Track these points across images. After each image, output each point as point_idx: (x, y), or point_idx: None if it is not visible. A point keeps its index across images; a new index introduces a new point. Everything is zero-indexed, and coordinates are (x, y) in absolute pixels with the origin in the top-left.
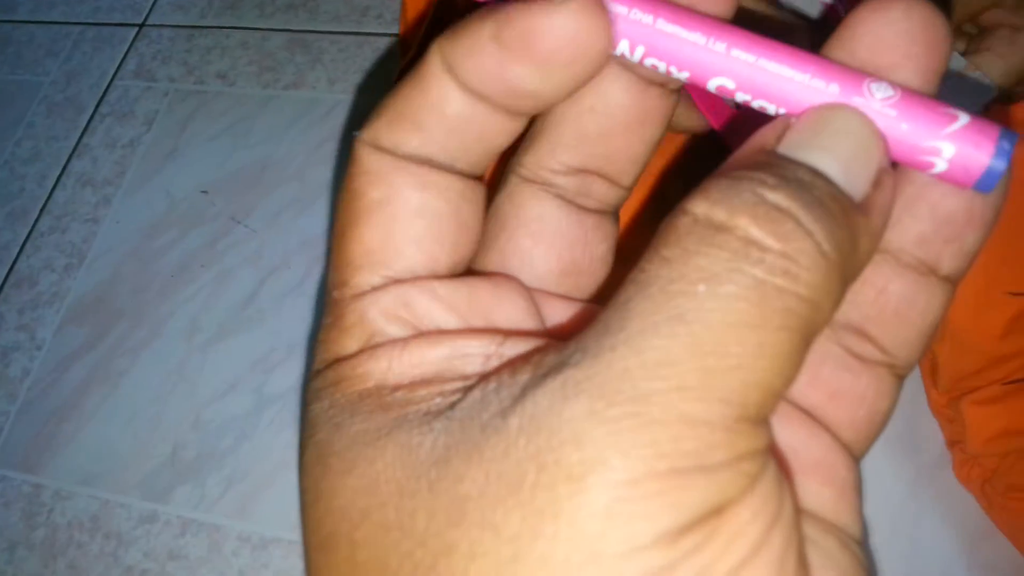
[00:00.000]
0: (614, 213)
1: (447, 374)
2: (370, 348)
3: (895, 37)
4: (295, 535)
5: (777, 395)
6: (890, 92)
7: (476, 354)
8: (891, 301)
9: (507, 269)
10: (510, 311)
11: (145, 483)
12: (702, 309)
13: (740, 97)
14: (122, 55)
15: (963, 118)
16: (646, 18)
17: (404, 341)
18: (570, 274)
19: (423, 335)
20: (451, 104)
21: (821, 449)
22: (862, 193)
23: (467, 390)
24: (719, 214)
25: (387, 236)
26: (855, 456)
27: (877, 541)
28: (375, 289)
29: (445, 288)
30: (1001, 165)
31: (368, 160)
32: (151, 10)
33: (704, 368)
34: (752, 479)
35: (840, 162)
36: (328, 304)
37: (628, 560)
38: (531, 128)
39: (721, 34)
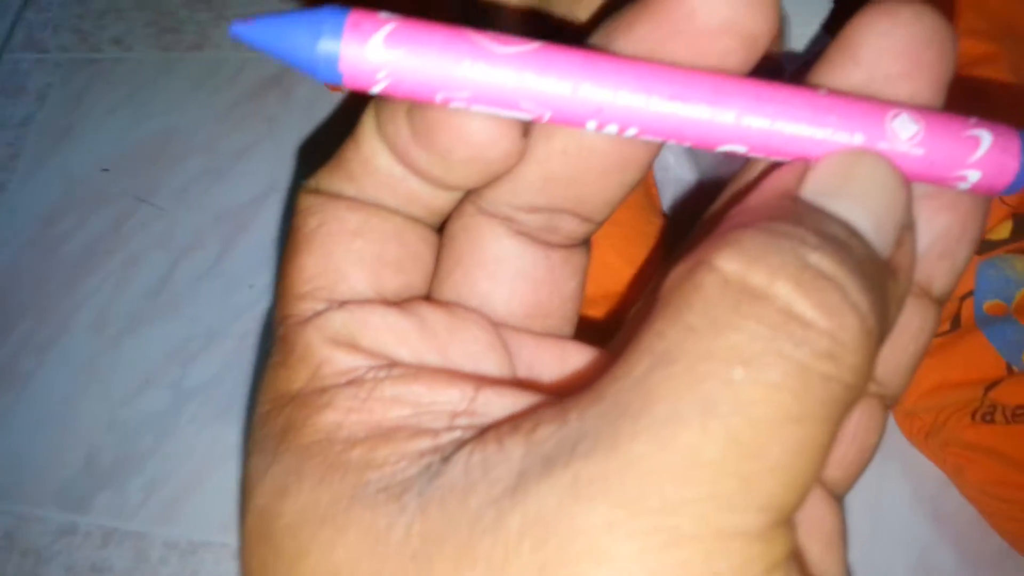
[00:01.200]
0: (584, 243)
1: (410, 429)
2: (319, 389)
3: (904, 44)
4: (226, 538)
5: (810, 489)
6: (914, 128)
7: (443, 408)
8: None
9: (464, 300)
10: (470, 345)
11: (61, 493)
12: (739, 400)
13: (752, 154)
14: (9, 26)
15: (986, 138)
16: (637, 99)
17: (359, 388)
18: (536, 316)
19: (380, 380)
20: (380, 160)
21: (808, 502)
22: (889, 251)
23: (444, 459)
24: (757, 277)
25: (327, 259)
26: (839, 496)
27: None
28: (318, 314)
29: (395, 315)
30: None
31: (307, 200)
32: None
33: (741, 473)
34: None
35: (872, 217)
36: (275, 343)
37: None
38: None
39: (728, 99)
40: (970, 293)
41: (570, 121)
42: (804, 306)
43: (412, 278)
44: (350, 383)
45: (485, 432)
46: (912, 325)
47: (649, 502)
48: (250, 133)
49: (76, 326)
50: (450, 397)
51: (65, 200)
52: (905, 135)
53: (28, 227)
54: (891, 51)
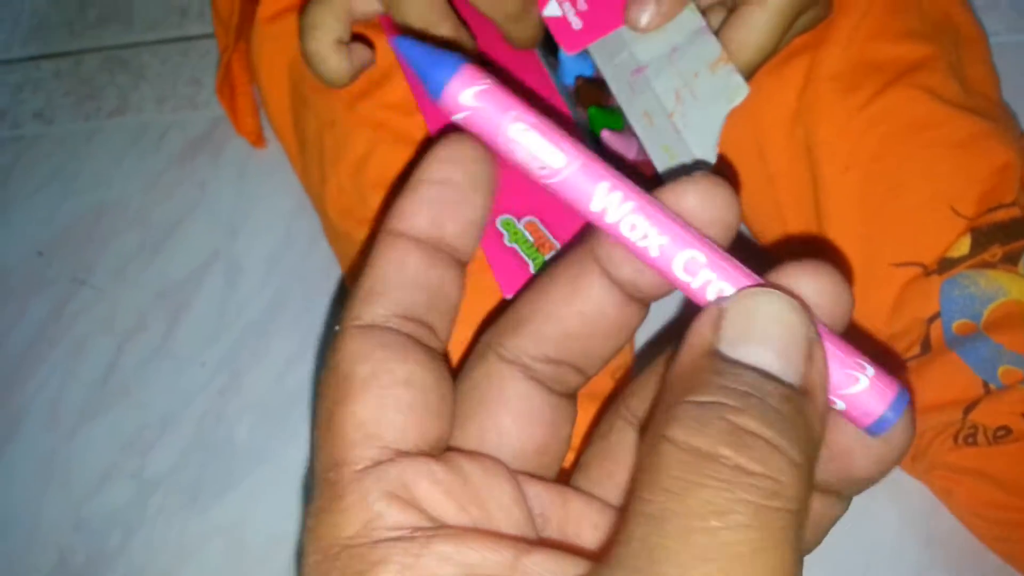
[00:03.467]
0: (574, 396)
1: None
2: (371, 542)
3: (823, 297)
4: None
5: None
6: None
7: (490, 571)
8: None
9: (484, 445)
10: (500, 496)
11: None
12: (722, 544)
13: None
14: None
15: (865, 376)
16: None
17: (411, 544)
18: (542, 453)
19: (431, 538)
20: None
21: None
22: (800, 373)
23: None
24: (701, 443)
25: (379, 408)
26: None
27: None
28: (376, 464)
29: (442, 470)
30: (892, 417)
31: (351, 340)
32: None
33: None
34: None
35: (778, 354)
36: (320, 487)
37: None
38: (511, 312)
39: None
40: (937, 315)
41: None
42: (744, 460)
43: (446, 425)
44: (401, 539)
45: None
46: (823, 521)
47: None
48: (182, 200)
49: (28, 424)
50: (497, 560)
51: (2, 289)
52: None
53: None
54: (817, 300)
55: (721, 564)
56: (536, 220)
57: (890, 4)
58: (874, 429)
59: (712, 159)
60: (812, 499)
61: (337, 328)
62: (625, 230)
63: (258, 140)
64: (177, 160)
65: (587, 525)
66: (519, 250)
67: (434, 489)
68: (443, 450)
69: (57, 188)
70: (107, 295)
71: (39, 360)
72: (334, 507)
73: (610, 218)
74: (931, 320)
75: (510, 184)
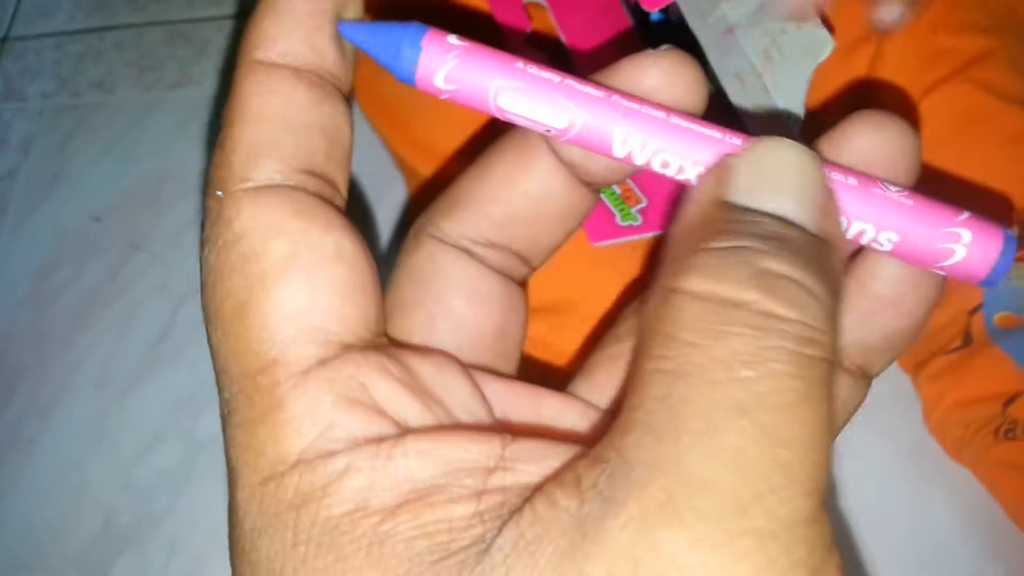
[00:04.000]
0: (523, 287)
1: (445, 492)
2: (329, 453)
3: (888, 145)
4: None
5: (831, 467)
6: (902, 188)
7: (475, 465)
8: None
9: (435, 332)
10: (459, 394)
11: (81, 560)
12: (759, 395)
13: None
14: None
15: (965, 213)
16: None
17: (382, 448)
18: (502, 337)
19: (400, 438)
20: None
21: None
22: (819, 221)
23: (497, 529)
24: (728, 291)
25: (313, 291)
26: None
27: (877, 527)
28: (323, 363)
29: (397, 367)
30: (1010, 252)
31: (251, 208)
32: (12, 20)
33: (780, 462)
34: (840, 570)
35: (796, 202)
36: (243, 395)
37: None
38: (448, 194)
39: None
40: (978, 307)
41: (597, 132)
42: (774, 305)
43: (380, 307)
44: (368, 442)
45: (531, 497)
46: (851, 403)
47: (722, 512)
48: None
49: (79, 384)
50: (478, 454)
51: (57, 252)
52: (895, 189)
53: (22, 283)
54: (878, 151)
55: (757, 417)
56: None
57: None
58: (989, 282)
59: (801, 114)
60: (838, 378)
61: (219, 194)
62: (657, 167)
63: None
64: None
65: (563, 428)
66: (605, 199)
67: (394, 388)
68: (384, 342)
69: (116, 156)
70: (162, 260)
71: (92, 322)
72: (272, 419)
73: (638, 160)
74: (972, 312)
75: None
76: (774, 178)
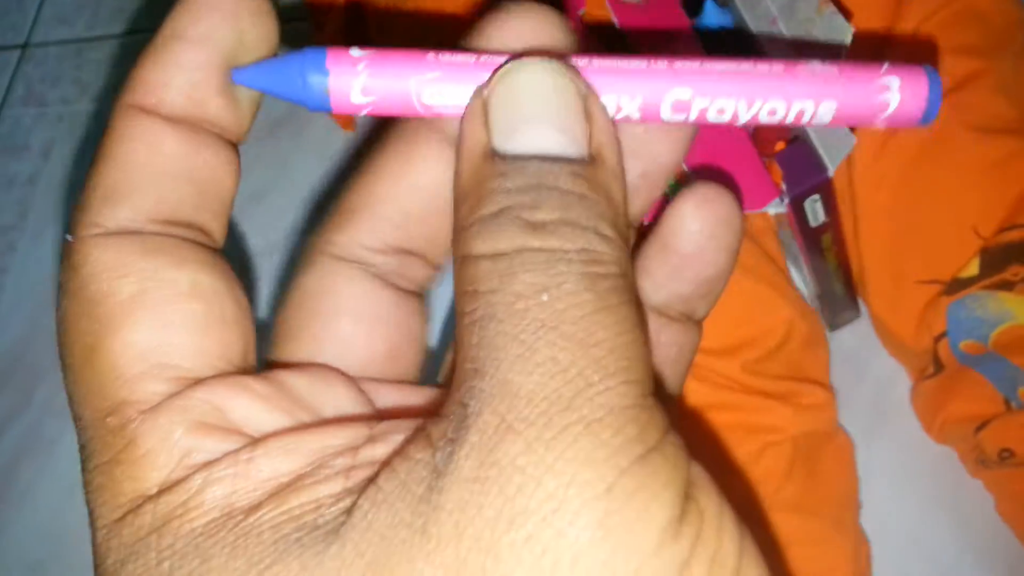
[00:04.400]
0: (422, 295)
1: (313, 476)
2: (187, 476)
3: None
4: None
5: (651, 363)
6: (824, 62)
7: (343, 446)
8: (663, 349)
9: (323, 358)
10: (335, 400)
11: None
12: (557, 311)
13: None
14: (7, 81)
15: (885, 64)
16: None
17: (242, 454)
18: (394, 358)
19: (260, 441)
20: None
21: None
22: (582, 141)
23: (361, 493)
24: (506, 245)
25: (162, 329)
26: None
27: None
28: (171, 397)
29: (260, 383)
30: (937, 88)
31: (97, 252)
32: (33, 27)
33: (592, 359)
34: (684, 450)
35: (555, 128)
36: (96, 439)
37: (646, 572)
38: (339, 206)
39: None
40: (943, 334)
41: None
42: (554, 243)
43: (250, 335)
44: (226, 455)
45: (388, 459)
46: (685, 344)
47: (548, 412)
48: (263, 176)
49: None
50: (345, 439)
51: None
52: (818, 65)
53: (44, 285)
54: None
55: (563, 329)
56: None
57: (947, 18)
58: (926, 120)
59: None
60: (668, 326)
61: (68, 238)
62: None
63: (347, 124)
64: (259, 138)
65: None
66: None
67: (255, 405)
68: (252, 367)
69: None
70: None
71: None
72: (126, 457)
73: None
74: (938, 339)
75: None
76: (529, 108)
